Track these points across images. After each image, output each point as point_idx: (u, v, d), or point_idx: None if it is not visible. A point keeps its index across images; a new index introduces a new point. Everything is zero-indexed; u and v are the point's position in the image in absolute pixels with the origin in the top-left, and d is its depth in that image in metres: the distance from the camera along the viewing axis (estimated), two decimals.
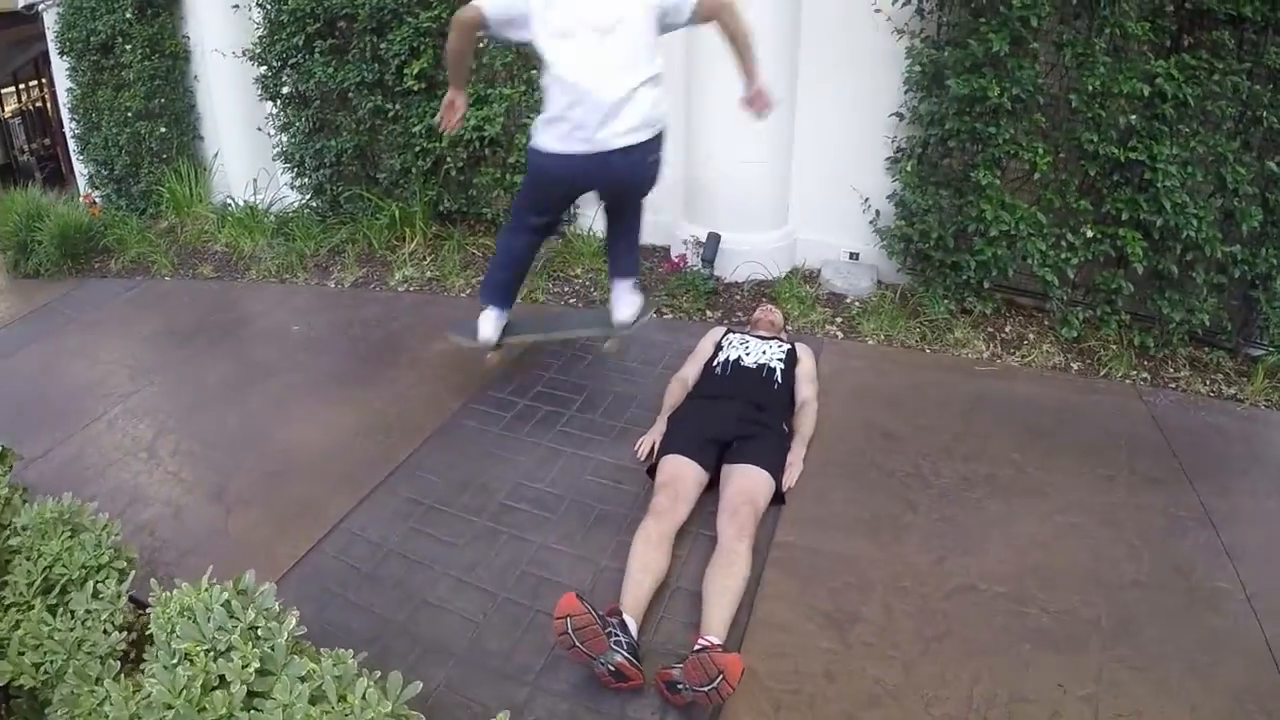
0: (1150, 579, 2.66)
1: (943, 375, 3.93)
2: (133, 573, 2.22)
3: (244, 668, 1.63)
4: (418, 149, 5.45)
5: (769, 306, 3.98)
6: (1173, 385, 3.90)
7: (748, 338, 3.55)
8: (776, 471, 2.93)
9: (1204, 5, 3.56)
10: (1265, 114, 3.61)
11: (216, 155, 7.40)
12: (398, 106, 5.46)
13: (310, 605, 2.62)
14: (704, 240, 4.87)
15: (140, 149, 7.47)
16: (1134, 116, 3.70)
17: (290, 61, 5.83)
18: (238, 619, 1.73)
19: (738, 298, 4.77)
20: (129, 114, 7.35)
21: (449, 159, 5.37)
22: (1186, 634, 2.46)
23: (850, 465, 3.22)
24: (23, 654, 1.95)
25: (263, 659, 1.65)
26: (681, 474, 2.86)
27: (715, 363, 3.42)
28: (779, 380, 3.29)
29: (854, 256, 4.90)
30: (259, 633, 1.72)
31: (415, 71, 5.21)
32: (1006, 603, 2.56)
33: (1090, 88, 3.68)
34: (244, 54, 6.05)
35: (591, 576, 2.72)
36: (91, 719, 1.78)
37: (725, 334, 3.63)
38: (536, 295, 4.95)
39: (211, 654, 1.67)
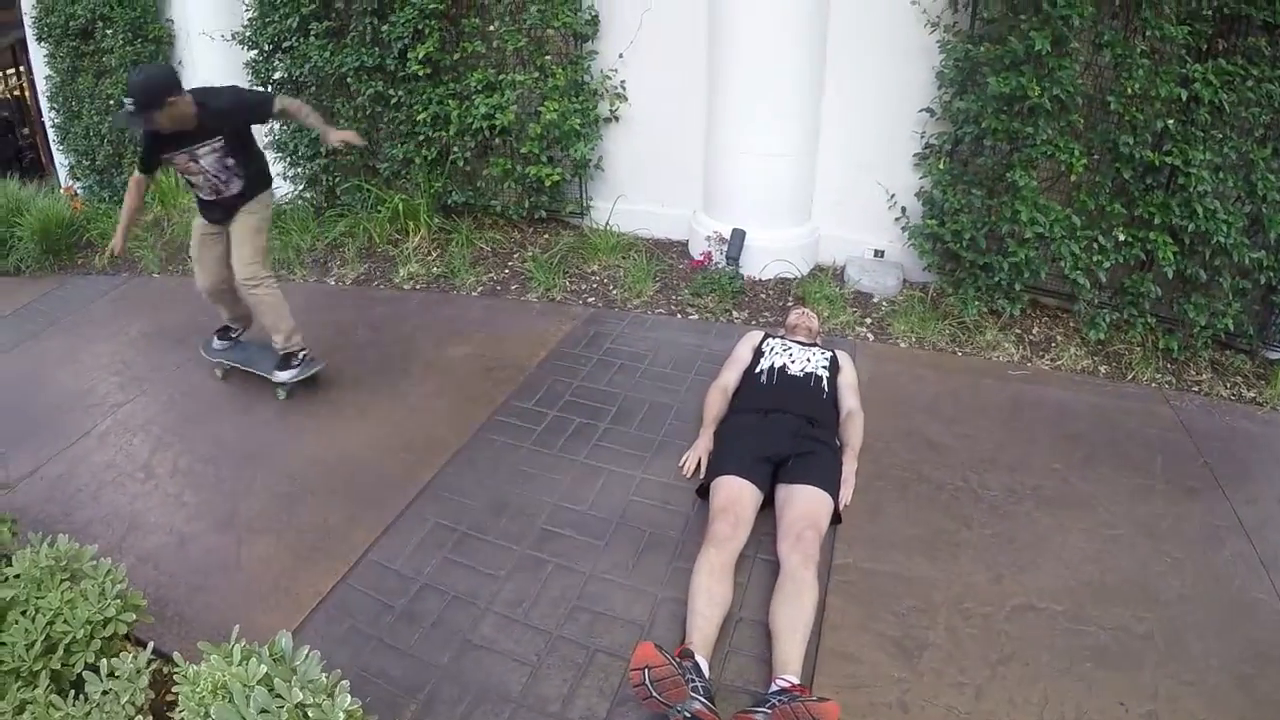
0: (1193, 591, 2.70)
1: (977, 379, 3.91)
2: (150, 644, 2.09)
3: None
4: (422, 138, 5.28)
5: (804, 310, 3.87)
6: (1195, 388, 3.94)
7: (789, 344, 3.46)
8: (834, 490, 2.87)
9: (1241, 11, 3.54)
10: None
11: None
12: (400, 93, 5.27)
13: (343, 650, 2.48)
14: (728, 236, 4.77)
15: (123, 138, 7.17)
16: (1170, 120, 3.67)
17: (283, 45, 5.60)
18: (282, 698, 1.57)
19: (763, 296, 4.70)
20: (111, 102, 7.04)
21: (456, 149, 5.21)
22: (1231, 646, 2.50)
23: (899, 479, 3.19)
24: None
25: None
26: (740, 497, 2.76)
27: (759, 370, 3.31)
28: (826, 390, 3.22)
29: (879, 254, 4.84)
30: (309, 713, 1.56)
31: (420, 56, 5.03)
32: (1065, 621, 2.57)
33: (1129, 90, 3.65)
34: (233, 37, 5.79)
35: (650, 610, 2.60)
36: None
37: (764, 339, 3.53)
38: (553, 294, 4.82)
39: None
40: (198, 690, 1.62)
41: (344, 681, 1.73)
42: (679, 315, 4.57)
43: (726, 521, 2.66)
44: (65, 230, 6.29)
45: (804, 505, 2.74)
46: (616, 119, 5.25)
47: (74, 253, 6.31)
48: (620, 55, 5.06)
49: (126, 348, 4.70)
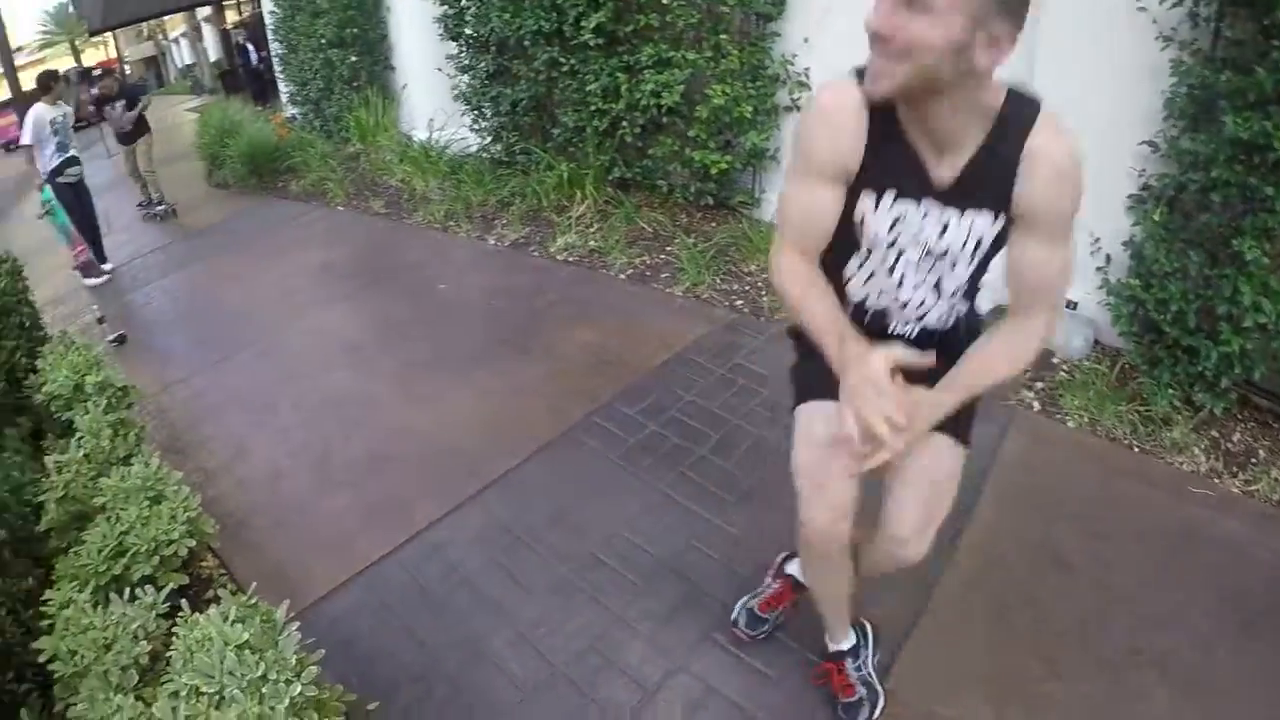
0: None
1: (1147, 490, 3.15)
2: (181, 578, 2.36)
3: None
4: (593, 108, 5.13)
5: None
6: None
7: (911, 213, 1.57)
8: (966, 436, 1.84)
9: None
10: None
11: (405, 87, 7.41)
12: (574, 61, 5.15)
13: (370, 619, 2.59)
14: None
15: (332, 75, 7.67)
16: None
17: (472, 4, 5.64)
18: (249, 668, 1.67)
19: None
20: (323, 40, 7.53)
21: (625, 123, 5.01)
22: None
23: (1000, 600, 2.62)
24: (64, 638, 2.03)
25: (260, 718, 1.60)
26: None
27: (859, 299, 1.81)
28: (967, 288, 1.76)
29: (1072, 306, 4.02)
30: (264, 690, 1.65)
31: (593, 25, 4.84)
32: None
33: None
34: None
35: (661, 676, 2.33)
36: None
37: (865, 189, 1.58)
38: (700, 291, 4.50)
39: (217, 697, 1.64)
40: (190, 635, 1.77)
41: (313, 668, 1.78)
42: None
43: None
44: (269, 156, 6.82)
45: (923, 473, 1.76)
46: (798, 108, 4.77)
47: (276, 176, 6.80)
48: (806, 39, 4.56)
49: (294, 278, 5.04)
